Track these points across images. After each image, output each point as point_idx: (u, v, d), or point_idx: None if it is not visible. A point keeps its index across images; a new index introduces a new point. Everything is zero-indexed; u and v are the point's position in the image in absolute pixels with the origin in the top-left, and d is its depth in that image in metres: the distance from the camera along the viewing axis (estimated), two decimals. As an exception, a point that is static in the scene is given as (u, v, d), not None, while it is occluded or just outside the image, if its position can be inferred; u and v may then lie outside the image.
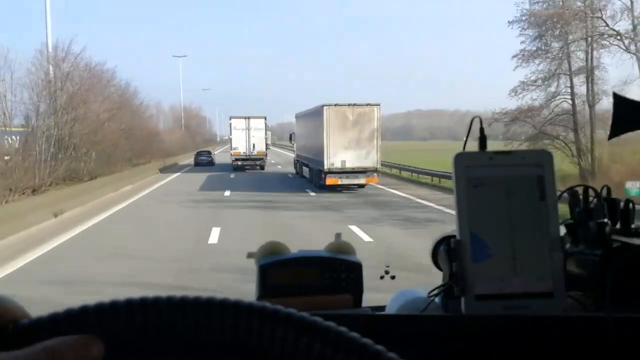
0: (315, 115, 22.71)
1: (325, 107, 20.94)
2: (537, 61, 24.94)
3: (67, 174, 24.24)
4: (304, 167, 26.77)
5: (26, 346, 0.33)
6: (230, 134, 32.56)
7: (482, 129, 0.83)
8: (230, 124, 32.40)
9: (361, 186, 21.72)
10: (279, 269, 0.91)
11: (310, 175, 24.48)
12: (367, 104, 21.12)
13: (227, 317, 0.35)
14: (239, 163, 32.15)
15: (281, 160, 46.55)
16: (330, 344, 0.35)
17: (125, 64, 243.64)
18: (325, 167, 20.95)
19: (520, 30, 24.92)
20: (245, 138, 31.64)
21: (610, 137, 0.94)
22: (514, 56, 25.11)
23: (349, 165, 20.99)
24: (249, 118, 32.14)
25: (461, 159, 0.79)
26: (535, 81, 24.92)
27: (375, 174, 21.26)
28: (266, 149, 32.83)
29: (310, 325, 0.35)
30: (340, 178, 21.09)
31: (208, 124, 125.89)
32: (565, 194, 0.92)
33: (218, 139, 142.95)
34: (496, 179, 0.78)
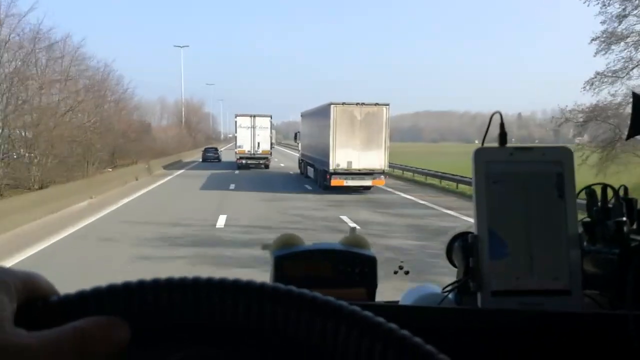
0: (321, 113, 22.01)
1: (332, 106, 20.24)
2: (620, 45, 19.72)
3: (5, 182, 18.06)
4: (308, 167, 26.11)
5: (54, 323, 0.33)
6: (235, 132, 32.34)
7: (502, 124, 0.82)
8: (236, 121, 32.13)
9: (367, 188, 21.03)
10: (293, 261, 0.91)
11: (315, 176, 23.79)
12: (376, 104, 20.40)
13: (265, 304, 0.35)
14: (244, 162, 31.92)
15: (283, 159, 45.98)
16: (375, 337, 0.34)
17: (127, 59, 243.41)
18: (331, 167, 20.26)
19: (601, 8, 19.75)
20: (250, 136, 31.46)
21: (629, 137, 0.95)
22: (594, 39, 20.07)
23: (355, 166, 20.29)
24: (254, 116, 31.86)
25: (481, 154, 0.78)
26: (617, 71, 19.85)
27: (382, 176, 20.55)
28: (271, 147, 32.64)
29: (351, 315, 0.35)
30: (345, 179, 20.40)
31: (212, 120, 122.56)
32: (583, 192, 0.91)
33: (222, 136, 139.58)
34: (515, 175, 0.78)
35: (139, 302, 0.35)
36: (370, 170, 20.32)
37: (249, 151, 31.78)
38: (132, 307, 0.35)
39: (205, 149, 45.75)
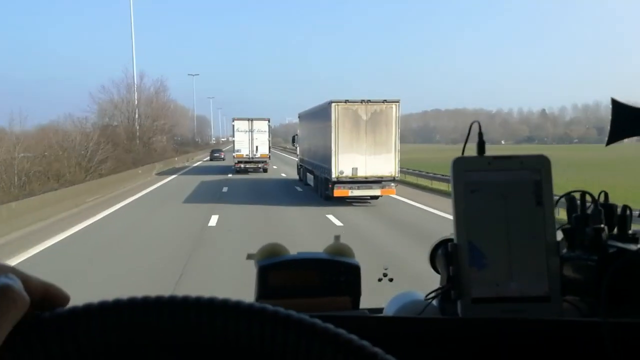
0: (321, 114, 19.33)
1: (333, 105, 17.57)
2: None
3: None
4: (308, 174, 23.42)
5: (56, 335, 0.34)
6: (233, 136, 31.85)
7: (480, 134, 0.84)
8: (233, 125, 31.57)
9: (374, 197, 18.34)
10: (278, 270, 0.91)
11: (315, 184, 21.09)
12: (384, 101, 17.70)
13: (229, 319, 0.36)
14: (242, 166, 31.32)
15: (280, 164, 43.43)
16: (330, 345, 0.36)
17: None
18: (333, 175, 17.57)
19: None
20: (248, 140, 30.90)
21: (608, 142, 0.96)
22: None
23: (362, 173, 17.60)
24: (252, 120, 31.28)
25: (459, 163, 0.80)
26: None
27: (392, 183, 17.84)
28: (269, 151, 32.01)
29: (310, 327, 0.36)
30: (350, 189, 17.71)
31: (196, 122, 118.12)
32: (563, 199, 0.92)
33: (213, 139, 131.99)
34: (494, 184, 0.79)
35: (145, 317, 0.35)
36: (378, 177, 17.63)
37: (247, 155, 31.14)
38: (136, 321, 0.35)
39: (212, 150, 58.88)
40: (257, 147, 31.10)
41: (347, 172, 17.62)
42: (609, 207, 0.89)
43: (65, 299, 0.38)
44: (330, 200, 18.19)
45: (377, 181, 17.70)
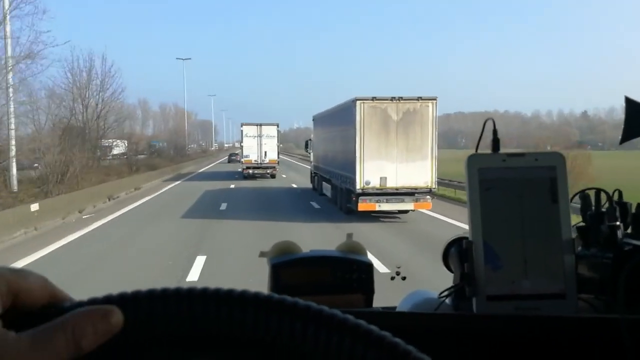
0: (342, 114, 16.59)
1: (358, 102, 14.83)
2: None
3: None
4: (324, 183, 20.66)
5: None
6: (242, 142, 31.36)
7: (495, 131, 0.84)
8: (242, 130, 31.09)
9: (404, 212, 15.54)
10: (290, 268, 0.91)
11: (334, 195, 18.31)
12: (419, 98, 14.94)
13: (260, 313, 0.36)
14: (250, 171, 30.80)
15: (289, 171, 40.59)
16: (362, 342, 0.35)
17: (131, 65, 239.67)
18: (358, 186, 14.81)
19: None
20: (257, 146, 30.44)
21: (622, 141, 0.95)
22: None
23: (391, 183, 14.83)
24: (261, 125, 30.82)
25: (474, 160, 0.79)
26: None
27: (428, 196, 15.04)
28: (278, 157, 31.47)
29: (341, 323, 0.36)
30: (378, 202, 14.94)
31: (198, 129, 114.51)
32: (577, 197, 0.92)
33: (214, 146, 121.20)
34: (509, 181, 0.79)
35: (149, 310, 0.35)
36: (412, 188, 14.83)
37: (255, 161, 30.60)
38: (141, 314, 0.35)
39: (230, 154, 59.40)
40: (265, 152, 30.51)
41: (374, 183, 14.85)
42: (623, 205, 0.88)
43: (41, 285, 0.36)
44: (352, 214, 15.45)
45: (410, 193, 14.92)
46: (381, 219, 15.41)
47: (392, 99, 14.85)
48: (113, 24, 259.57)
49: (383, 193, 14.90)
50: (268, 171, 31.10)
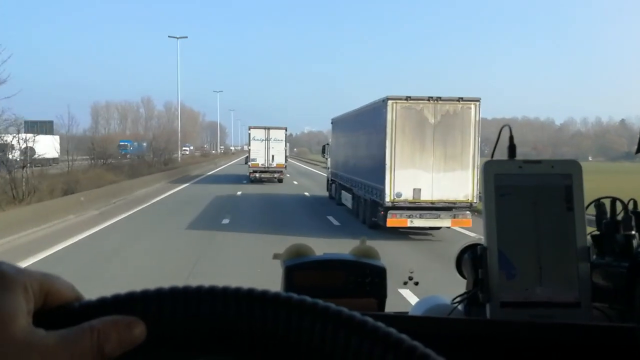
0: (370, 115, 14.68)
1: (390, 102, 12.90)
2: None
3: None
4: (343, 192, 18.75)
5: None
6: (249, 145, 30.84)
7: (511, 137, 0.84)
8: (249, 134, 30.54)
9: (435, 228, 13.56)
10: (304, 271, 0.91)
11: (356, 207, 16.37)
12: (460, 99, 13.00)
13: (279, 311, 0.36)
14: (257, 175, 30.14)
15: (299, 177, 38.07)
16: (380, 344, 0.35)
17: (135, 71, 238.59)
18: (387, 198, 12.87)
19: None
20: (264, 149, 29.91)
21: (638, 151, 0.95)
22: None
23: (426, 196, 12.88)
24: (268, 128, 30.32)
25: (490, 166, 0.79)
26: None
27: (467, 212, 13.06)
28: (285, 161, 30.90)
29: (361, 325, 0.36)
30: (410, 217, 12.98)
31: (204, 132, 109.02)
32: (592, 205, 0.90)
33: (219, 149, 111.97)
34: (525, 188, 0.79)
35: (157, 309, 0.36)
36: (450, 202, 12.88)
37: (262, 165, 30.03)
38: (150, 313, 0.36)
39: (246, 157, 53.34)
40: (273, 156, 29.93)
41: (407, 195, 12.91)
42: (638, 215, 0.87)
43: (71, 291, 0.37)
44: (377, 229, 13.52)
45: (448, 208, 12.96)
46: (410, 236, 13.45)
47: (429, 99, 12.92)
48: (112, 24, 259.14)
49: (416, 207, 12.94)
50: (275, 175, 30.39)
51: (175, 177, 34.54)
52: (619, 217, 0.88)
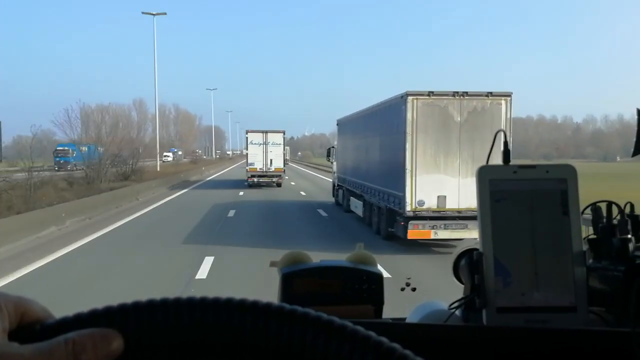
0: (386, 114, 13.18)
1: (410, 98, 11.41)
2: None
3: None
4: (352, 198, 17.22)
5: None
6: (246, 149, 30.45)
7: (506, 142, 0.85)
8: (247, 137, 29.99)
9: (457, 239, 12.02)
10: (301, 278, 0.91)
11: (369, 215, 14.83)
12: (488, 94, 11.51)
13: (264, 321, 0.36)
14: (255, 180, 29.65)
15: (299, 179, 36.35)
16: (372, 353, 0.35)
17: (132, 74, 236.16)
18: (409, 207, 11.37)
19: None
20: (262, 153, 29.45)
21: (635, 153, 0.95)
22: None
23: (452, 204, 11.39)
24: (266, 132, 29.91)
25: (484, 171, 0.80)
26: None
27: (498, 221, 11.55)
28: (284, 165, 30.42)
29: (352, 334, 0.36)
30: (434, 228, 11.47)
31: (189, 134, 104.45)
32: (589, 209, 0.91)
33: (213, 154, 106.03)
34: (520, 193, 0.79)
35: (135, 323, 0.36)
36: (479, 211, 11.36)
37: (260, 169, 29.49)
38: (127, 328, 0.35)
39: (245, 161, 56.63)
40: (271, 160, 29.51)
41: (430, 203, 11.42)
42: (635, 218, 0.88)
43: (45, 314, 0.38)
44: (393, 240, 12.04)
45: (476, 217, 11.42)
46: (433, 248, 11.98)
47: (455, 94, 11.44)
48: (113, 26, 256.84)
49: (441, 217, 11.45)
50: (274, 179, 29.88)
51: (113, 203, 19.95)
52: (616, 221, 0.87)
